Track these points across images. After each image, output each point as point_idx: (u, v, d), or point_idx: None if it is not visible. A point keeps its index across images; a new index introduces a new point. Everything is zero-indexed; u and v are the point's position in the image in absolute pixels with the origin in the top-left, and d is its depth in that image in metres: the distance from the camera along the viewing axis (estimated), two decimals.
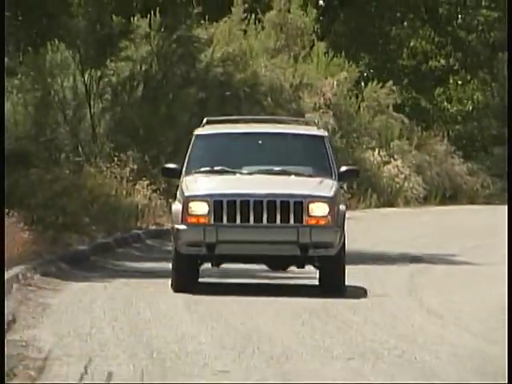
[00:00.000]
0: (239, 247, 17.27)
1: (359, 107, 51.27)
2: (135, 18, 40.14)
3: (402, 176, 55.05)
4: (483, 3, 59.29)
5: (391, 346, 16.02)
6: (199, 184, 18.35)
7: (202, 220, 17.21)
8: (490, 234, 42.43)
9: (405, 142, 57.26)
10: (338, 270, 17.80)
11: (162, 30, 40.80)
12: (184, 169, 19.01)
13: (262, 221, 17.00)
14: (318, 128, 22.77)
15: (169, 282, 24.19)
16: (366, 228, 45.42)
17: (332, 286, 18.14)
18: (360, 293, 21.70)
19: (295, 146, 20.08)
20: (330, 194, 18.38)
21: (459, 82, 63.51)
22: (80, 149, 37.58)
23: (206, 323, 20.61)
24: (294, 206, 17.09)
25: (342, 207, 18.63)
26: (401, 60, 59.14)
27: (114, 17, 39.78)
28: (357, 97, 50.94)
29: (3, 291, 8.65)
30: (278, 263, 18.80)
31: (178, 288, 18.21)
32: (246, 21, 46.50)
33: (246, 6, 46.76)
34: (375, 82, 52.39)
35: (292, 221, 17.03)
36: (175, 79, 41.10)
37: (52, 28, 32.84)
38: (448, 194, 56.17)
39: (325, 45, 50.79)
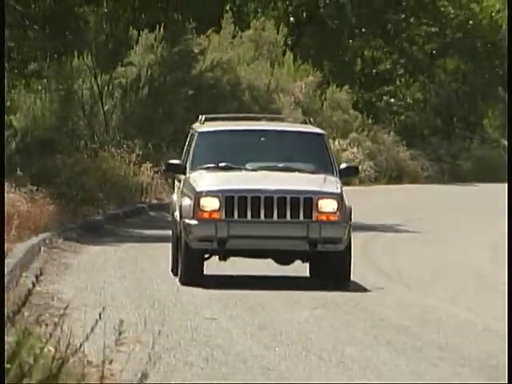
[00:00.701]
0: (250, 242, 15.45)
1: (322, 105, 50.98)
2: (143, 32, 40.06)
3: (357, 160, 54.67)
4: (424, 20, 59.06)
5: (348, 298, 16.10)
6: (209, 180, 16.25)
7: (213, 215, 15.35)
8: (429, 208, 42.54)
9: (359, 133, 57.11)
10: (345, 264, 15.79)
11: (164, 42, 40.52)
12: (188, 165, 16.84)
13: (272, 216, 15.20)
14: (314, 126, 20.01)
15: (169, 246, 23.35)
16: None
17: (338, 279, 16.04)
18: None
19: (296, 144, 17.81)
20: (338, 190, 16.20)
21: (403, 84, 62.77)
22: (95, 138, 37.59)
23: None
24: (304, 202, 15.29)
25: (348, 203, 16.30)
26: (356, 66, 58.64)
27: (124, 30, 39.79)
28: (320, 96, 50.63)
29: (3, 288, 7.66)
30: (286, 258, 16.66)
31: (186, 281, 16.10)
32: (232, 35, 46.40)
33: (232, 24, 46.58)
34: (335, 85, 52.36)
35: (302, 216, 15.27)
36: (173, 82, 40.94)
37: (73, 40, 32.87)
38: (394, 175, 56.32)
39: (294, 54, 50.70)
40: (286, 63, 49.58)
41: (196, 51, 42.85)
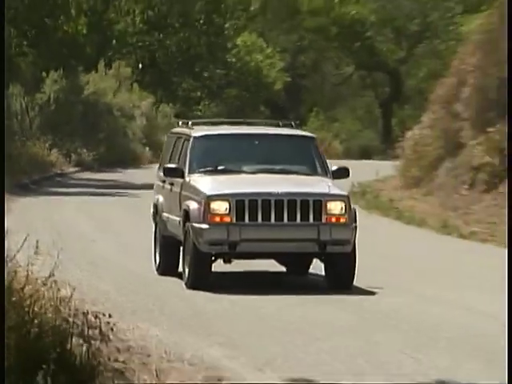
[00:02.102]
0: (261, 245, 10.89)
1: (157, 114, 50.40)
2: (51, 72, 41.64)
3: None
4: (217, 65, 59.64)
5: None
6: (215, 184, 11.41)
7: (224, 219, 10.75)
8: None
9: None
10: (352, 266, 11.01)
11: (64, 77, 42.09)
12: (187, 168, 11.81)
13: (282, 219, 10.68)
14: (302, 130, 15.55)
15: (64, 198, 26.36)
16: None
17: (342, 282, 11.17)
18: None
19: (289, 147, 12.67)
20: (345, 192, 11.87)
21: (206, 104, 62.61)
22: (24, 134, 37.78)
23: (86, 218, 22.13)
24: (314, 205, 10.79)
25: (353, 205, 11.74)
26: (178, 92, 58.34)
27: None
28: (156, 112, 50.53)
29: (3, 287, 6.54)
30: (296, 260, 12.07)
31: (195, 284, 11.04)
32: (104, 73, 47.16)
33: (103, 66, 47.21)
34: (166, 106, 52.44)
35: (312, 219, 10.77)
36: (70, 102, 42.12)
37: (10, 76, 33.12)
38: None
39: (141, 85, 51.04)
40: (135, 90, 49.94)
41: (83, 83, 44.21)
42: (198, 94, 60.92)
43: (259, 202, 10.71)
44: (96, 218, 22.29)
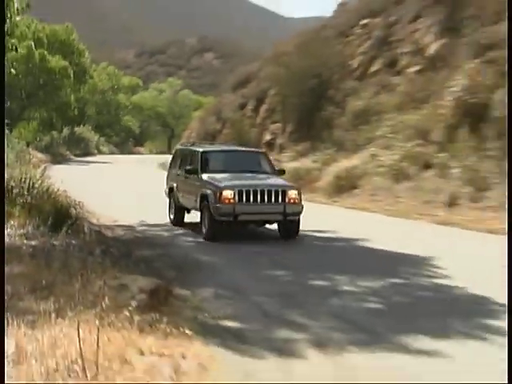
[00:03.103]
0: (251, 216, 14.60)
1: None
2: None
3: None
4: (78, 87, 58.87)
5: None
6: (223, 180, 15.06)
7: (231, 201, 14.34)
8: None
9: None
10: (298, 226, 14.97)
11: None
12: (199, 170, 15.80)
13: (264, 201, 14.42)
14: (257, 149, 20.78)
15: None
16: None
17: (293, 235, 15.06)
18: None
19: (253, 158, 16.91)
20: (296, 184, 16.62)
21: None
22: None
23: (76, 173, 31.95)
24: (281, 192, 14.57)
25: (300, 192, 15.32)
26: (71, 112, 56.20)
27: None
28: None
29: (3, 288, 7.00)
30: (270, 224, 15.45)
31: (210, 238, 14.58)
32: None
33: None
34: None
35: (280, 200, 14.54)
36: None
37: None
38: None
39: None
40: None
41: None
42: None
43: (251, 191, 14.62)
44: (79, 173, 35.05)
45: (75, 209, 14.72)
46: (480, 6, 24.65)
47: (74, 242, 10.90)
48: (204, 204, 15.05)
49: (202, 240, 14.70)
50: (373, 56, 30.13)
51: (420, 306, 8.94)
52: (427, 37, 27.26)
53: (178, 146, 19.83)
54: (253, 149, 19.30)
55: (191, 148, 17.71)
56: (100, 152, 67.04)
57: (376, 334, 7.53)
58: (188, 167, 16.45)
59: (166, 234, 15.52)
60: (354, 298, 9.25)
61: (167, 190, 18.25)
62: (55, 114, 53.31)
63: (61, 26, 54.63)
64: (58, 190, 15.69)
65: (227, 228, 14.83)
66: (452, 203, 19.70)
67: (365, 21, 32.42)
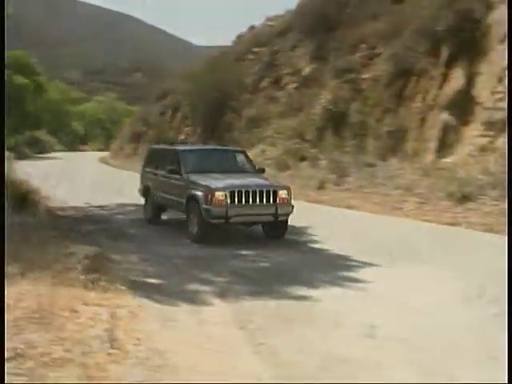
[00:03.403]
0: (243, 218, 11.22)
1: None
2: None
3: None
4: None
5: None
6: (213, 181, 11.57)
7: (222, 203, 11.05)
8: None
9: None
10: (286, 226, 11.66)
11: None
12: (183, 170, 12.20)
13: (255, 202, 11.14)
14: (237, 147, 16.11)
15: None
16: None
17: (281, 235, 11.73)
18: None
19: (234, 157, 13.35)
20: (287, 184, 12.31)
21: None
22: None
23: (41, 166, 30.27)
24: (272, 193, 11.30)
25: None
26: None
27: None
28: None
29: (3, 289, 5.87)
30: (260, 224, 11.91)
31: (198, 241, 11.19)
32: None
33: None
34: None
35: (271, 201, 11.28)
36: None
37: None
38: None
39: None
40: None
41: None
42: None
43: (243, 192, 11.17)
44: (39, 166, 31.70)
45: (35, 194, 14.24)
46: (340, 40, 24.98)
47: (32, 220, 10.58)
48: (192, 205, 11.60)
49: (133, 217, 13.43)
50: (262, 76, 30.35)
51: (301, 263, 8.85)
52: (302, 62, 27.53)
53: (153, 146, 15.51)
54: (233, 147, 15.09)
55: (171, 147, 13.75)
56: (54, 150, 66.43)
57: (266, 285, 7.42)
58: (170, 167, 12.66)
59: (106, 212, 14.80)
60: (250, 259, 9.12)
61: (142, 189, 14.40)
62: (19, 121, 52.39)
63: (21, 52, 54.18)
64: (21, 180, 14.98)
65: (216, 230, 11.57)
66: (321, 187, 19.69)
67: (256, 49, 32.70)
